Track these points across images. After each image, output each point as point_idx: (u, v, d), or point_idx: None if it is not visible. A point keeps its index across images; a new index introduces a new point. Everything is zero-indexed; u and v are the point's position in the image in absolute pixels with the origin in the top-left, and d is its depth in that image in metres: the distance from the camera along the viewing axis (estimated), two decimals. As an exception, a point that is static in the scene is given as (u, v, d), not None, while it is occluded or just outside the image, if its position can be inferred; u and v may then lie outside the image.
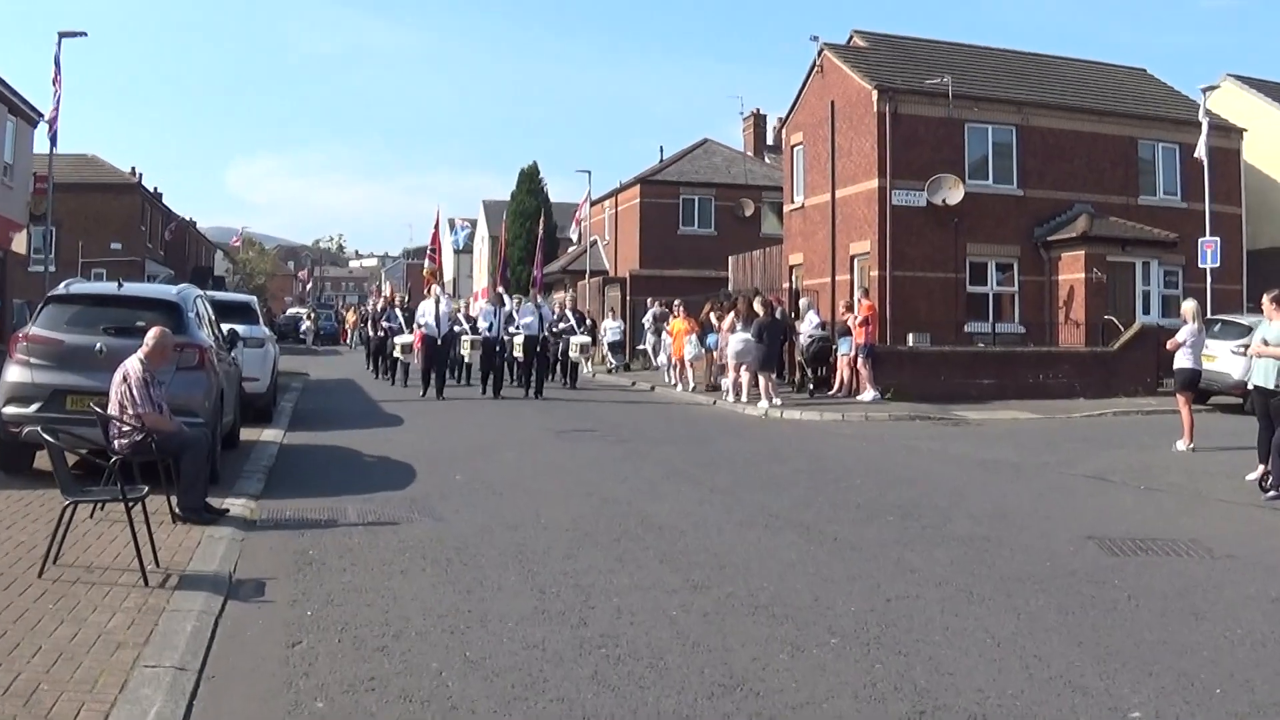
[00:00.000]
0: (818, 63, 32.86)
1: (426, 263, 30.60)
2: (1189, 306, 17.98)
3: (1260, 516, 11.66)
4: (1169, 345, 18.42)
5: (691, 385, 28.24)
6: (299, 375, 29.24)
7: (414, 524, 10.24)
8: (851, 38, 33.97)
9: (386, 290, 68.34)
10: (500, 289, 29.12)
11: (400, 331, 29.10)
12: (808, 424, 21.39)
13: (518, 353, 26.23)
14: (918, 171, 29.52)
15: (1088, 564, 9.12)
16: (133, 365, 9.69)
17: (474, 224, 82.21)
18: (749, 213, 48.28)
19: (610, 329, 37.96)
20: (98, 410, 9.50)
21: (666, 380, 30.47)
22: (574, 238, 64.10)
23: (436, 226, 34.11)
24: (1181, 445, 17.17)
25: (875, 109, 29.53)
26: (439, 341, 24.82)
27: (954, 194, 29.42)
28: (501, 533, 9.91)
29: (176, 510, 9.69)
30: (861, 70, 30.82)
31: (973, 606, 7.66)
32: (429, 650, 6.49)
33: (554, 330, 28.21)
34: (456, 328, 27.85)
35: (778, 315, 25.23)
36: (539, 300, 27.98)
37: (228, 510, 10.25)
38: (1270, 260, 34.17)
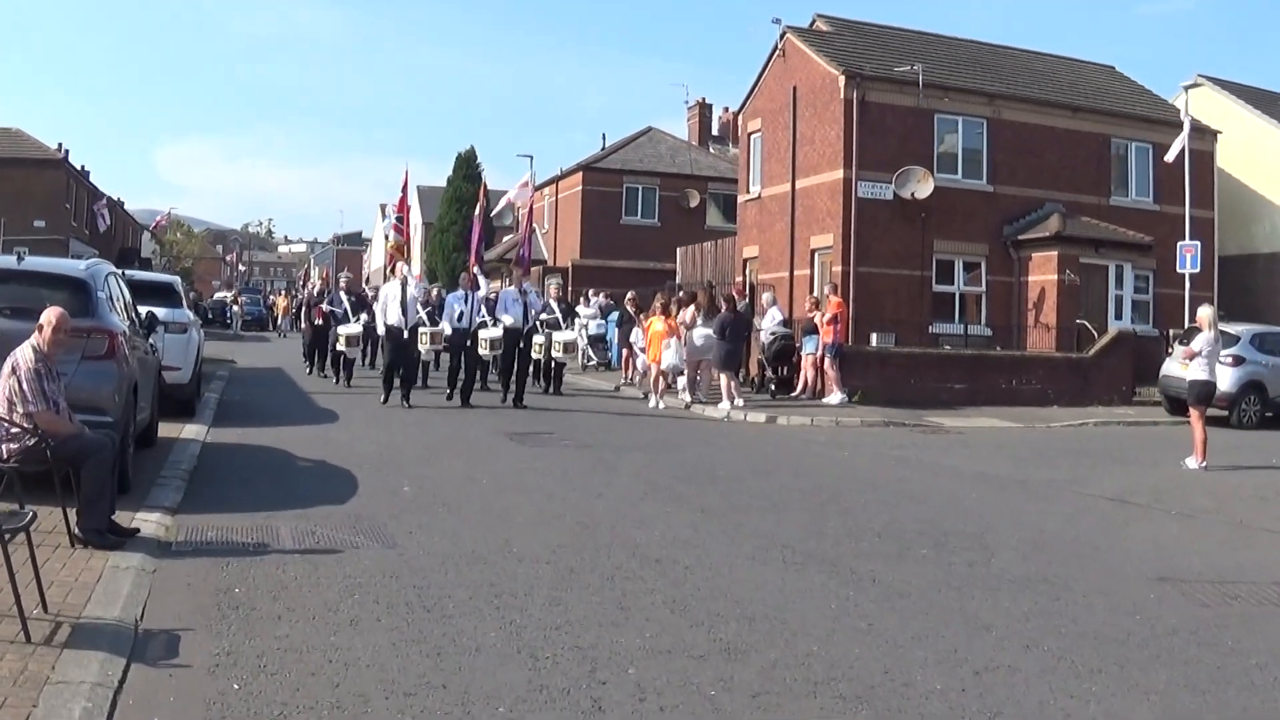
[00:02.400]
0: (779, 46, 31.30)
1: (391, 235, 24.03)
2: (1205, 313, 16.64)
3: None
4: (1184, 355, 17.15)
5: (682, 398, 23.31)
6: (225, 363, 27.14)
7: (360, 551, 8.51)
8: (814, 21, 32.44)
9: (317, 275, 66.06)
10: (477, 271, 22.88)
11: (344, 320, 24.49)
12: (777, 429, 19.87)
13: (484, 350, 21.13)
14: (885, 163, 28.09)
15: (1183, 618, 7.63)
16: (23, 354, 7.88)
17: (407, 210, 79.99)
18: (694, 204, 46.80)
19: (591, 321, 32.76)
20: (-22, 408, 7.70)
21: (624, 388, 26.41)
22: (507, 221, 62.28)
23: (405, 191, 25.63)
24: (1193, 463, 16.00)
25: (842, 95, 28.04)
26: (405, 334, 20.01)
27: (923, 187, 28.03)
28: (467, 566, 8.20)
29: (76, 531, 7.90)
30: (827, 55, 29.31)
31: (1084, 683, 6.10)
32: (398, 755, 4.81)
33: (540, 323, 23.04)
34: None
35: (740, 310, 23.64)
36: (525, 286, 22.49)
37: (138, 530, 8.45)
38: (1238, 267, 33.27)
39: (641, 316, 25.03)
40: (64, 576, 7.10)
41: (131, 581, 7.14)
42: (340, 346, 24.06)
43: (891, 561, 9.09)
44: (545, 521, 10.04)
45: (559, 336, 23.78)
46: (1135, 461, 17.17)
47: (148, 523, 8.92)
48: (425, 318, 20.94)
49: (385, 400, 19.77)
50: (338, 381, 24.20)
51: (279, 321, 51.97)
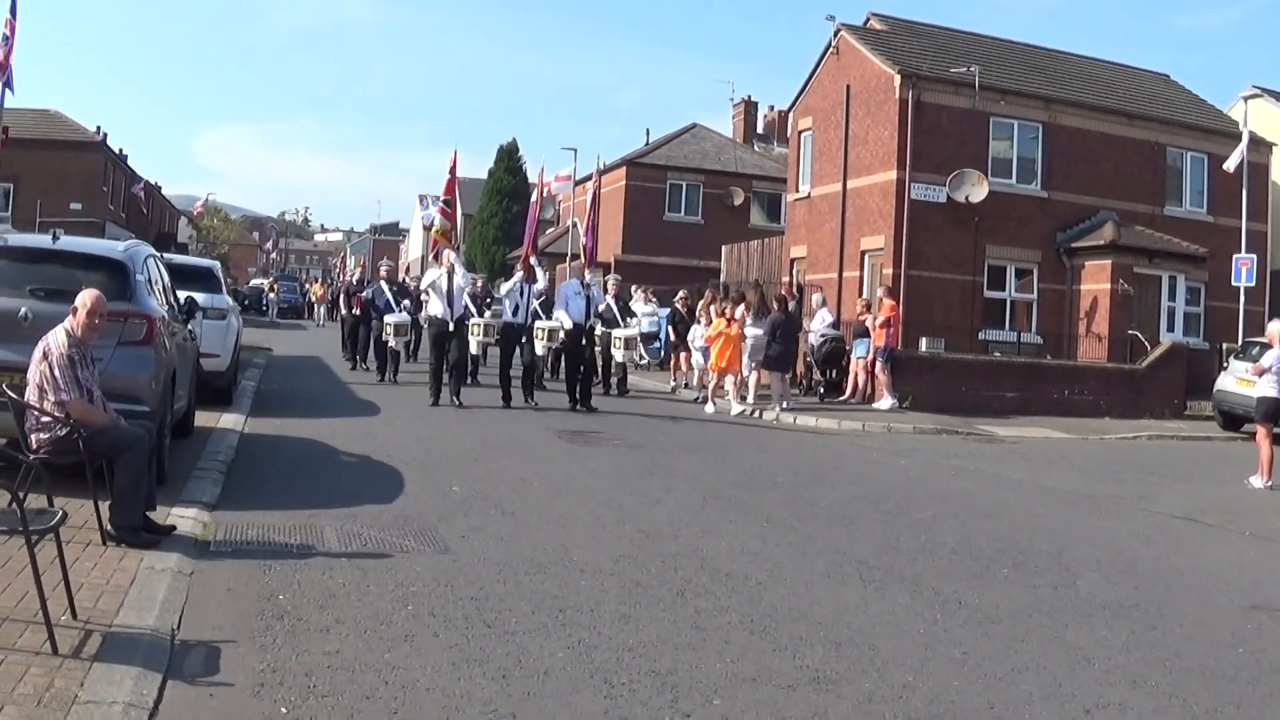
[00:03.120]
0: (833, 43, 30.63)
1: (437, 219, 20.66)
2: (1276, 328, 15.88)
3: None
4: (1253, 370, 16.47)
5: (748, 406, 21.58)
6: (262, 350, 26.67)
7: (412, 557, 7.97)
8: (868, 19, 31.79)
9: (354, 263, 65.61)
10: (534, 260, 20.46)
11: (385, 310, 23.21)
12: (828, 434, 19.24)
13: (540, 343, 19.48)
14: (939, 165, 27.39)
15: (1295, 655, 7.03)
16: (56, 339, 7.36)
17: (446, 201, 79.65)
18: (738, 202, 46.22)
19: (644, 317, 28.64)
20: (10, 394, 7.17)
21: (681, 390, 24.49)
22: (548, 215, 61.80)
23: (453, 173, 22.01)
24: (1258, 482, 15.39)
25: (897, 95, 27.36)
26: (452, 327, 18.22)
27: (977, 191, 27.32)
28: (527, 575, 7.65)
29: (108, 528, 7.39)
30: (882, 53, 28.63)
31: (1210, 731, 5.51)
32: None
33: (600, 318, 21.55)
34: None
35: (792, 309, 23.01)
36: (588, 278, 20.10)
37: (174, 528, 7.94)
38: (1291, 281, 32.34)
39: (700, 317, 23.96)
40: (95, 578, 6.59)
41: (167, 585, 6.62)
42: (388, 338, 22.33)
43: (974, 582, 8.50)
44: (605, 528, 9.47)
45: (619, 333, 22.47)
46: (1199, 479, 16.58)
47: (184, 519, 8.42)
48: (473, 309, 20.20)
49: (435, 401, 17.93)
50: (383, 378, 22.38)
51: (315, 310, 51.46)
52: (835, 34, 30.48)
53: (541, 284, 20.06)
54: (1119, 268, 27.76)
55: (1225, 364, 24.74)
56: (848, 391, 24.14)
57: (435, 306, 18.39)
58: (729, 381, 21.48)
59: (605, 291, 23.06)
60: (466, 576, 7.50)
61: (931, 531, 10.44)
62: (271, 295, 53.94)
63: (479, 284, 25.32)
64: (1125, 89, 32.26)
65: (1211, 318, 29.76)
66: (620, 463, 13.39)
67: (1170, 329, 28.81)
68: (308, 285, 67.53)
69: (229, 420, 14.19)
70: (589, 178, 50.14)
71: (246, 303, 48.16)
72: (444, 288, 18.20)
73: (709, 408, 21.20)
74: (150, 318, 9.43)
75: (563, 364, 21.25)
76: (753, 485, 12.45)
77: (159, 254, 12.08)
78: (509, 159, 60.21)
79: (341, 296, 28.10)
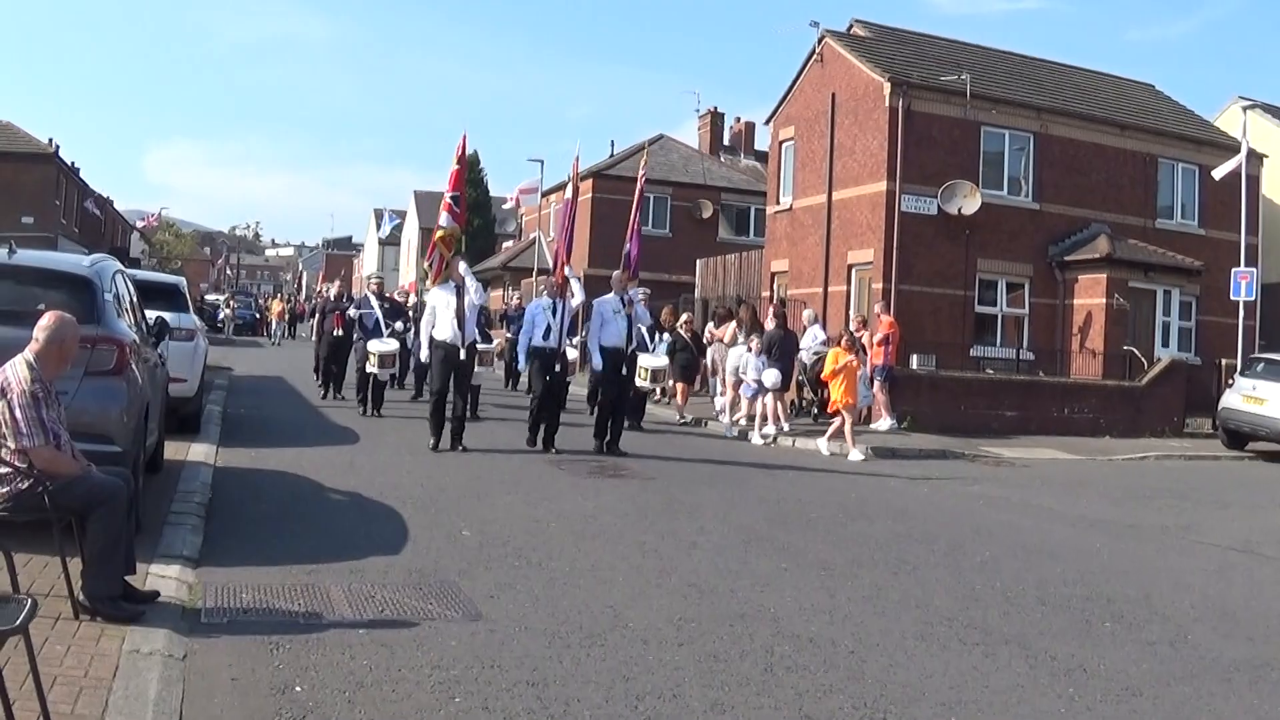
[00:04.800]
0: (817, 51, 29.63)
1: (444, 218, 15.81)
2: None
3: None
4: None
5: (720, 420, 21.00)
6: (222, 370, 25.18)
7: (440, 626, 6.73)
8: (851, 26, 30.82)
9: (315, 279, 63.98)
10: (571, 270, 16.60)
11: (375, 331, 19.68)
12: (836, 459, 18.11)
13: (643, 381, 17.43)
14: (929, 176, 26.44)
15: None
16: (16, 372, 6.08)
17: (403, 215, 78.36)
18: (707, 214, 45.16)
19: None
20: (-44, 439, 5.89)
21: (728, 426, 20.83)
22: (510, 229, 60.56)
23: (461, 162, 16.55)
24: None
25: (886, 103, 26.38)
26: (464, 354, 15.11)
27: (970, 203, 26.39)
28: (582, 648, 6.44)
29: (80, 598, 6.11)
30: (870, 61, 27.63)
31: None
32: None
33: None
34: (494, 335, 21.53)
35: (790, 327, 21.92)
36: (633, 293, 16.96)
37: (157, 594, 6.65)
38: (1278, 295, 31.64)
39: (706, 339, 22.80)
40: (69, 668, 5.32)
41: (159, 677, 5.35)
42: (371, 368, 18.74)
43: (1082, 641, 7.42)
44: (649, 581, 8.25)
45: (647, 361, 18.75)
46: (1233, 504, 15.72)
47: (166, 579, 7.16)
48: (478, 332, 16.77)
49: (437, 444, 14.86)
50: (366, 411, 19.00)
51: (272, 327, 49.70)
52: (819, 41, 29.48)
53: (579, 298, 16.56)
54: (1114, 282, 26.91)
55: (1230, 381, 23.92)
56: (843, 412, 23.04)
57: (442, 328, 15.05)
58: (770, 405, 19.82)
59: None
60: (512, 652, 6.27)
61: (1001, 576, 9.35)
62: (227, 311, 52.22)
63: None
64: (1114, 99, 31.49)
65: (1204, 333, 28.98)
66: (636, 498, 12.13)
67: (1165, 344, 28.02)
68: (265, 301, 65.81)
69: (199, 451, 12.85)
70: (556, 189, 49.31)
71: (217, 322, 46.44)
72: (452, 305, 15.02)
73: (824, 449, 18.52)
74: (121, 343, 8.13)
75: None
76: (787, 523, 11.27)
77: (126, 270, 10.75)
78: (470, 171, 58.72)
79: (318, 316, 24.32)
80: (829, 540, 10.46)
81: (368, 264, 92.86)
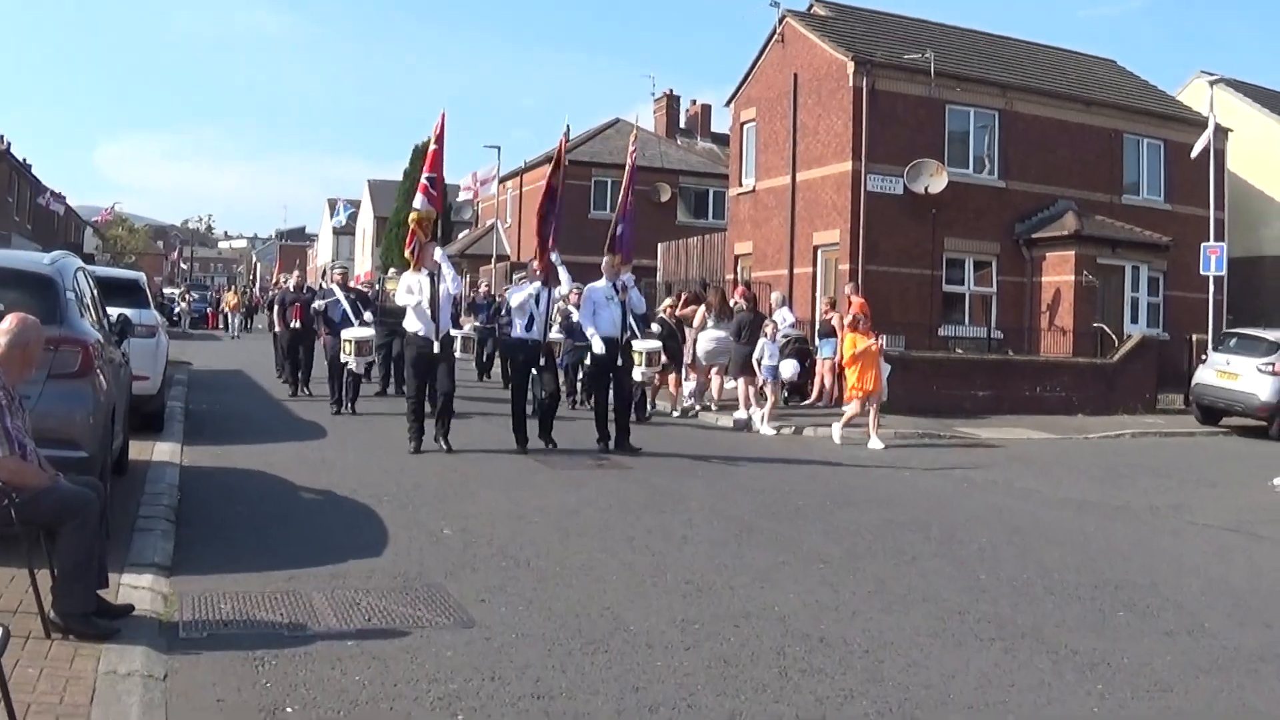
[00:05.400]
0: (778, 31, 29.32)
1: (419, 200, 14.74)
2: None
3: None
4: None
5: (685, 405, 20.64)
6: (181, 364, 24.56)
7: (432, 634, 6.37)
8: (811, 5, 30.45)
9: (264, 268, 63.13)
10: (555, 255, 15.04)
11: (343, 322, 18.09)
12: (809, 443, 17.85)
13: (640, 371, 15.67)
14: (895, 155, 26.25)
15: None
16: (-23, 377, 5.68)
17: (358, 205, 77.60)
18: (665, 198, 44.99)
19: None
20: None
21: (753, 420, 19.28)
22: (466, 216, 59.97)
23: (439, 141, 15.20)
24: None
25: (850, 83, 26.15)
26: (438, 347, 13.88)
27: (936, 181, 26.22)
28: (585, 656, 6.09)
29: (52, 616, 5.71)
30: (832, 40, 27.37)
31: None
32: None
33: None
34: (463, 323, 20.30)
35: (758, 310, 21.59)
36: (625, 279, 15.31)
37: (131, 607, 6.25)
38: (1245, 269, 31.66)
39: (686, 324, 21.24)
40: (43, 694, 4.92)
41: (139, 700, 4.97)
42: (346, 358, 17.22)
43: (1101, 633, 7.16)
44: (644, 579, 7.91)
45: (640, 346, 16.05)
46: (1220, 482, 15.52)
47: (139, 589, 6.76)
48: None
49: (418, 447, 13.71)
50: (340, 408, 17.67)
51: (229, 320, 48.82)
52: (780, 21, 29.16)
53: (566, 287, 15.93)
54: (1082, 259, 26.87)
55: (1203, 356, 23.86)
56: (813, 395, 22.83)
57: (415, 320, 13.96)
58: (741, 390, 19.12)
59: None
60: (512, 662, 5.92)
61: (1002, 564, 9.09)
62: (183, 305, 51.32)
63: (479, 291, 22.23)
64: (1077, 75, 31.42)
65: (1171, 308, 28.96)
66: (617, 491, 11.77)
67: (1134, 320, 28.00)
68: (221, 294, 64.87)
69: (163, 450, 12.40)
70: (513, 175, 48.83)
71: (175, 316, 45.52)
72: (426, 293, 13.87)
73: (836, 437, 17.66)
74: (86, 344, 7.69)
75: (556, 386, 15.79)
76: (776, 513, 10.96)
77: (87, 267, 10.29)
78: (424, 158, 58.22)
79: (276, 307, 22.76)
80: (822, 530, 10.15)
81: (322, 254, 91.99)
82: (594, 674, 5.80)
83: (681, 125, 55.48)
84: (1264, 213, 32.98)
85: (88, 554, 5.73)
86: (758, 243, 30.05)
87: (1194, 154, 26.49)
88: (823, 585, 7.98)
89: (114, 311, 10.75)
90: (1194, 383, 23.43)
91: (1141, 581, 8.74)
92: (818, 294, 26.94)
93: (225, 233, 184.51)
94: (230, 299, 49.94)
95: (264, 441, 14.17)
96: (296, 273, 22.86)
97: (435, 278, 13.95)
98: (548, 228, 15.19)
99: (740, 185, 31.42)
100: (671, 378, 20.66)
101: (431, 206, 14.59)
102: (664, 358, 18.80)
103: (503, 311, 20.96)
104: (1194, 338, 26.47)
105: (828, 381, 22.51)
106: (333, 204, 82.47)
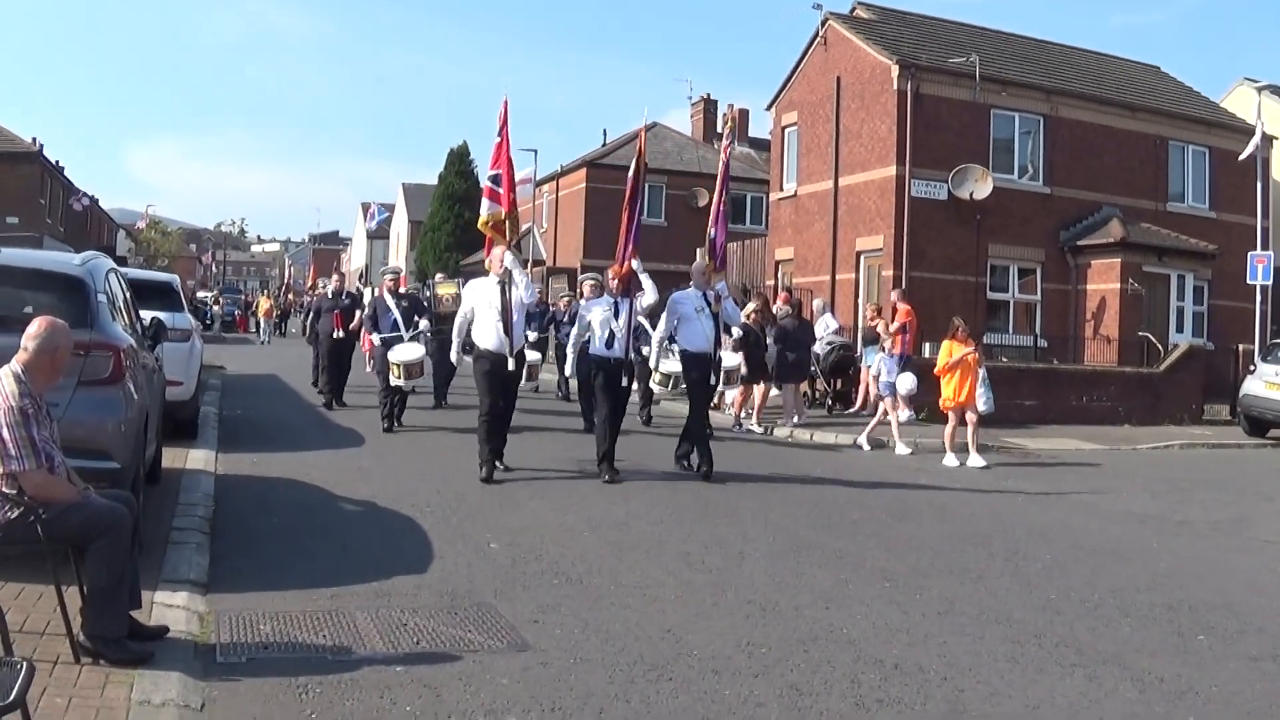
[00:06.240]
0: (821, 33, 28.89)
1: (485, 205, 13.28)
2: None
3: None
4: None
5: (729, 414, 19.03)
6: (215, 369, 24.25)
7: (485, 659, 6.01)
8: (854, 8, 30.06)
9: (302, 270, 63.00)
10: (637, 265, 13.29)
11: (394, 333, 16.66)
12: (861, 454, 17.41)
13: (658, 385, 15.49)
14: (939, 160, 25.76)
15: None
16: (3, 387, 5.32)
17: (392, 209, 77.53)
18: (702, 203, 44.35)
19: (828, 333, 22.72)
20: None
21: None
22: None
23: (503, 133, 13.52)
24: None
25: (895, 86, 25.68)
26: (510, 362, 12.31)
27: (981, 187, 25.71)
28: (649, 684, 5.72)
29: (81, 639, 5.37)
30: (876, 43, 26.92)
31: None
32: None
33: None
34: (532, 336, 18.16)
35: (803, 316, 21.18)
36: (720, 288, 13.90)
37: (166, 629, 5.91)
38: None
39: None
40: (72, 727, 4.59)
41: (177, 735, 4.62)
42: (396, 380, 15.86)
43: (1183, 658, 6.80)
44: (703, 599, 7.54)
45: (667, 368, 15.78)
46: (1276, 496, 15.02)
47: (173, 608, 6.43)
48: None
49: (489, 475, 12.04)
50: (390, 426, 16.11)
51: (261, 325, 48.49)
52: (822, 24, 28.73)
53: (651, 297, 13.34)
54: (1128, 266, 26.30)
55: (1251, 367, 23.27)
56: (858, 403, 22.38)
57: (485, 333, 12.31)
58: (788, 398, 17.66)
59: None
60: (572, 690, 5.56)
61: (1072, 583, 8.68)
62: (216, 309, 51.17)
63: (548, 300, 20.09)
64: (1122, 81, 30.84)
65: (1216, 317, 28.36)
66: (668, 502, 11.36)
67: (1179, 329, 27.42)
68: (249, 298, 64.76)
69: (197, 458, 12.08)
70: (549, 179, 48.49)
71: (210, 321, 45.28)
72: (497, 305, 12.30)
73: (948, 460, 16.20)
74: (117, 349, 7.37)
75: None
76: (831, 526, 10.57)
77: (119, 268, 9.98)
78: (460, 162, 57.97)
79: (311, 316, 21.15)
80: (881, 546, 9.74)
81: (356, 258, 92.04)
82: (660, 704, 5.44)
83: (718, 130, 55.10)
84: (1308, 221, 32.24)
85: (119, 573, 5.40)
86: (799, 248, 29.63)
87: (1242, 157, 25.96)
88: (890, 605, 7.59)
89: (147, 315, 10.42)
90: (1242, 394, 22.85)
91: (1216, 602, 8.33)
92: (860, 300, 26.50)
93: (258, 236, 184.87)
94: (264, 303, 49.69)
95: (300, 449, 13.86)
96: (336, 277, 21.48)
97: (506, 285, 12.31)
98: (627, 233, 13.49)
99: (781, 190, 31.00)
100: (758, 389, 19.38)
101: (499, 207, 13.09)
102: (744, 370, 18.38)
103: (561, 320, 20.42)
104: (1240, 348, 25.86)
105: (873, 390, 22.04)
106: (366, 208, 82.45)
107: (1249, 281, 25.62)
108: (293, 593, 7.07)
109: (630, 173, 13.85)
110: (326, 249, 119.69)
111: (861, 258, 27.10)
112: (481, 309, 12.34)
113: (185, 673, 5.34)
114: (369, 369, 18.23)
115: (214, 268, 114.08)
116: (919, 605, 7.66)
